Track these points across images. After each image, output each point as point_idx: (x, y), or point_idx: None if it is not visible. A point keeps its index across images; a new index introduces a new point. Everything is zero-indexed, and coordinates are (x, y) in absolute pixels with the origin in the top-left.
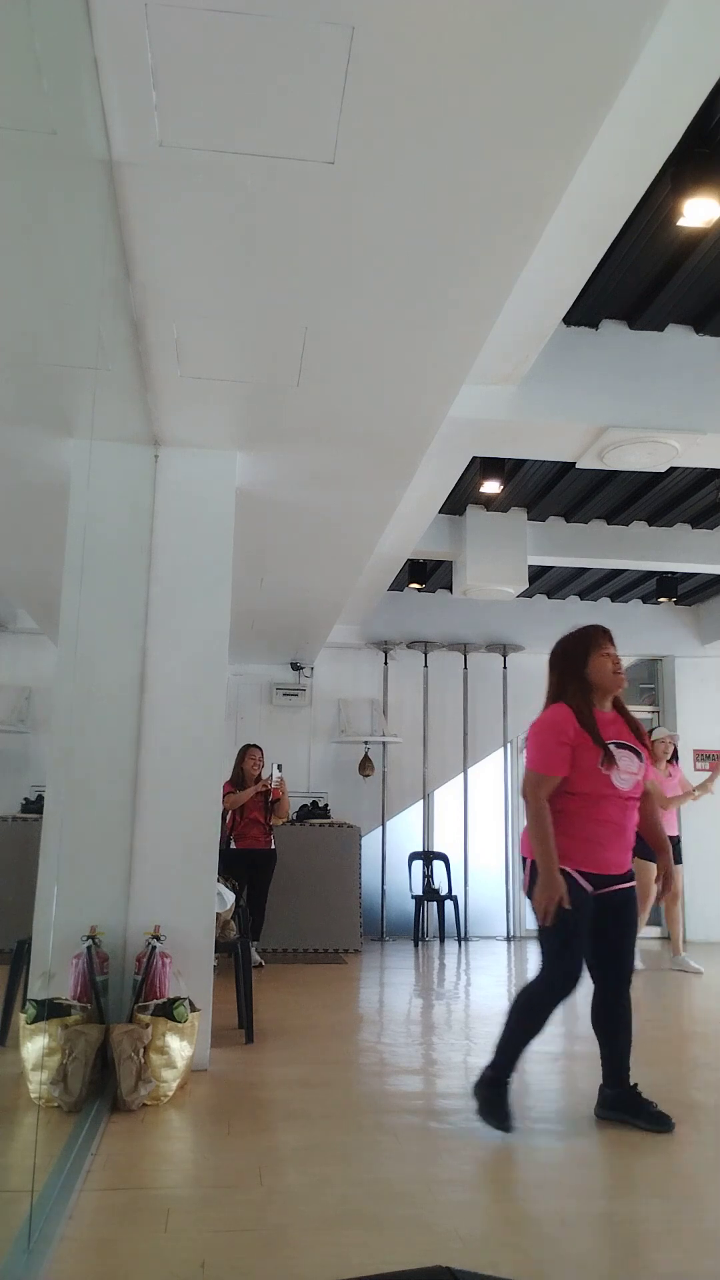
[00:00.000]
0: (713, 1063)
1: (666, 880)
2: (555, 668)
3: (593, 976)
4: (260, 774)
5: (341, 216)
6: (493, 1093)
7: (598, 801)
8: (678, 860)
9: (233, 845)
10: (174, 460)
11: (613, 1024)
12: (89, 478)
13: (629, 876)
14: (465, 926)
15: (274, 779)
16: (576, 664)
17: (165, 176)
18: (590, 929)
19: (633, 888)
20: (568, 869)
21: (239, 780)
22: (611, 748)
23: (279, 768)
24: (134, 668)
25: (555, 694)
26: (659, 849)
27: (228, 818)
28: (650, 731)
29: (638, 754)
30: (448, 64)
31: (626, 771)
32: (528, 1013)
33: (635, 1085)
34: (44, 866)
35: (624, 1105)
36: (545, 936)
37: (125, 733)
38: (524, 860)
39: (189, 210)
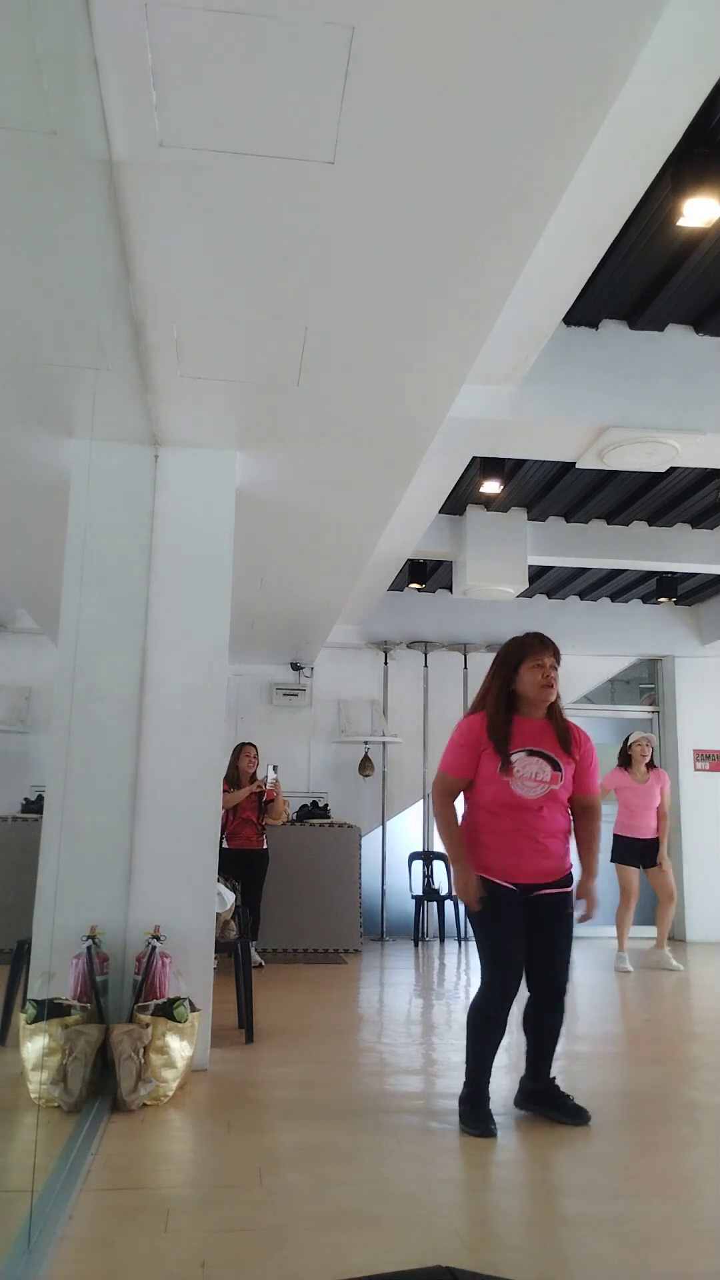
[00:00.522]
0: (713, 1063)
1: (588, 901)
2: (490, 670)
3: (527, 982)
4: (255, 772)
5: (341, 216)
6: (471, 1105)
7: (503, 811)
8: (653, 863)
9: (225, 845)
10: (174, 460)
11: (539, 1031)
12: (89, 478)
13: (560, 883)
14: (465, 926)
15: (269, 780)
16: (507, 671)
17: (165, 176)
18: (527, 932)
19: (565, 893)
20: (490, 878)
21: (234, 778)
22: (513, 756)
23: (274, 769)
24: (134, 668)
25: (479, 697)
26: (585, 868)
27: (221, 817)
28: (626, 738)
29: (554, 763)
30: (448, 64)
31: (533, 780)
32: (480, 1021)
33: (554, 1079)
34: (44, 866)
35: (543, 1098)
36: (479, 940)
37: (125, 732)
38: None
39: (189, 210)
